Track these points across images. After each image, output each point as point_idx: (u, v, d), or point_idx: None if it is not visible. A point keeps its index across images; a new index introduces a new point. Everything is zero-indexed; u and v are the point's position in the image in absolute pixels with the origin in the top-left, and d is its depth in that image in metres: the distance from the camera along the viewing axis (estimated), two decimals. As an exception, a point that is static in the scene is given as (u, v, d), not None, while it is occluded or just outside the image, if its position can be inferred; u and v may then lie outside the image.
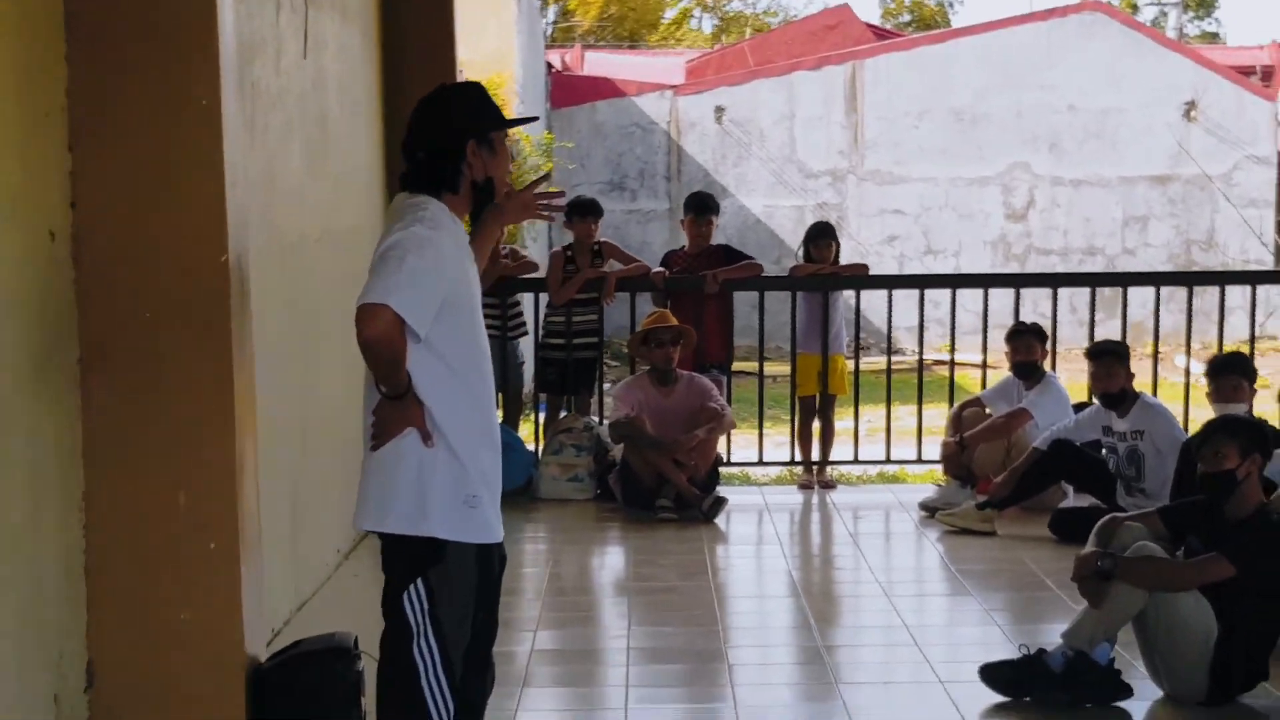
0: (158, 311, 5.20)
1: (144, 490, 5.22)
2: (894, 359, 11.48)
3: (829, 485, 10.90)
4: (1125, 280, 11.71)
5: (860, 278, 11.42)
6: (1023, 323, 10.21)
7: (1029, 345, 10.01)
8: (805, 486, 10.91)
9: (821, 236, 11.13)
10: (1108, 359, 9.09)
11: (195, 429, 5.24)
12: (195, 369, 5.23)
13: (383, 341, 4.50)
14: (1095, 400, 9.40)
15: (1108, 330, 11.25)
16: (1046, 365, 10.23)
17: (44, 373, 4.93)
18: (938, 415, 11.25)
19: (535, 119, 5.85)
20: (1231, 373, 8.48)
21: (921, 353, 11.21)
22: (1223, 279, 11.63)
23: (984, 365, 11.24)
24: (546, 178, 5.69)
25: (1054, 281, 11.96)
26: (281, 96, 7.27)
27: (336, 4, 8.56)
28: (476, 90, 4.92)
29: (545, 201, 5.17)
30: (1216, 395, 8.46)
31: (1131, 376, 9.16)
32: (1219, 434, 6.17)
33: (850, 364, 11.19)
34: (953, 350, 11.20)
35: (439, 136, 4.77)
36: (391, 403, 4.62)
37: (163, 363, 5.21)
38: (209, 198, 5.20)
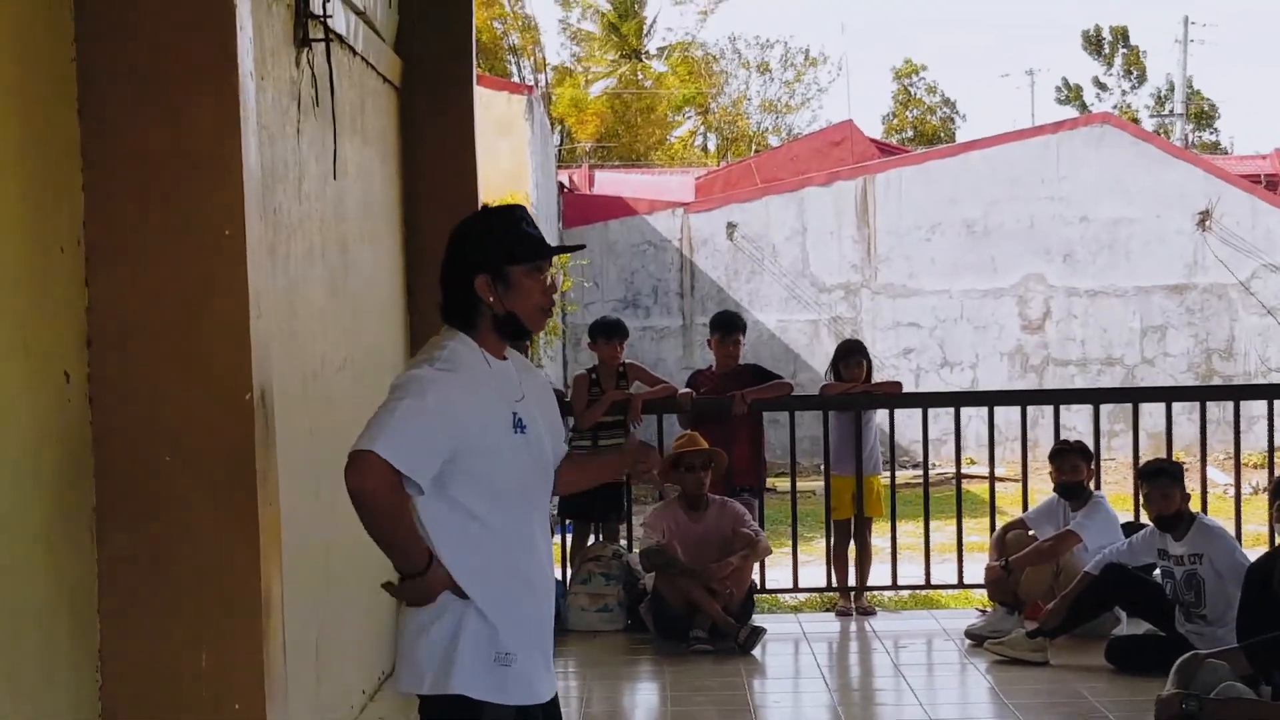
0: (178, 454, 4.86)
1: (164, 648, 4.86)
2: (918, 475, 11.20)
3: (867, 611, 10.55)
4: (1169, 395, 11.36)
5: (894, 396, 11.10)
6: (1066, 441, 9.86)
7: (1074, 465, 9.65)
8: (843, 613, 10.55)
9: (851, 355, 10.88)
10: (1163, 479, 8.71)
11: (218, 583, 4.88)
12: (218, 516, 4.89)
13: (370, 493, 4.24)
14: (1149, 522, 9.02)
15: (1128, 443, 10.90)
16: (1091, 485, 9.86)
17: (59, 520, 4.60)
18: (970, 532, 10.93)
19: (578, 248, 5.12)
20: None
21: (959, 470, 10.87)
22: (1273, 393, 11.22)
23: (1024, 481, 10.85)
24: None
25: (1096, 398, 11.59)
26: (303, 222, 7.01)
27: (357, 127, 8.33)
28: (500, 219, 4.53)
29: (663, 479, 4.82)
30: None
31: (1187, 497, 8.78)
32: (1309, 565, 5.82)
33: (885, 483, 10.89)
34: (992, 467, 10.85)
35: (452, 270, 4.48)
36: (411, 582, 4.34)
37: (184, 510, 4.87)
38: (232, 332, 4.88)
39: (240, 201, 4.87)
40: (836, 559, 10.84)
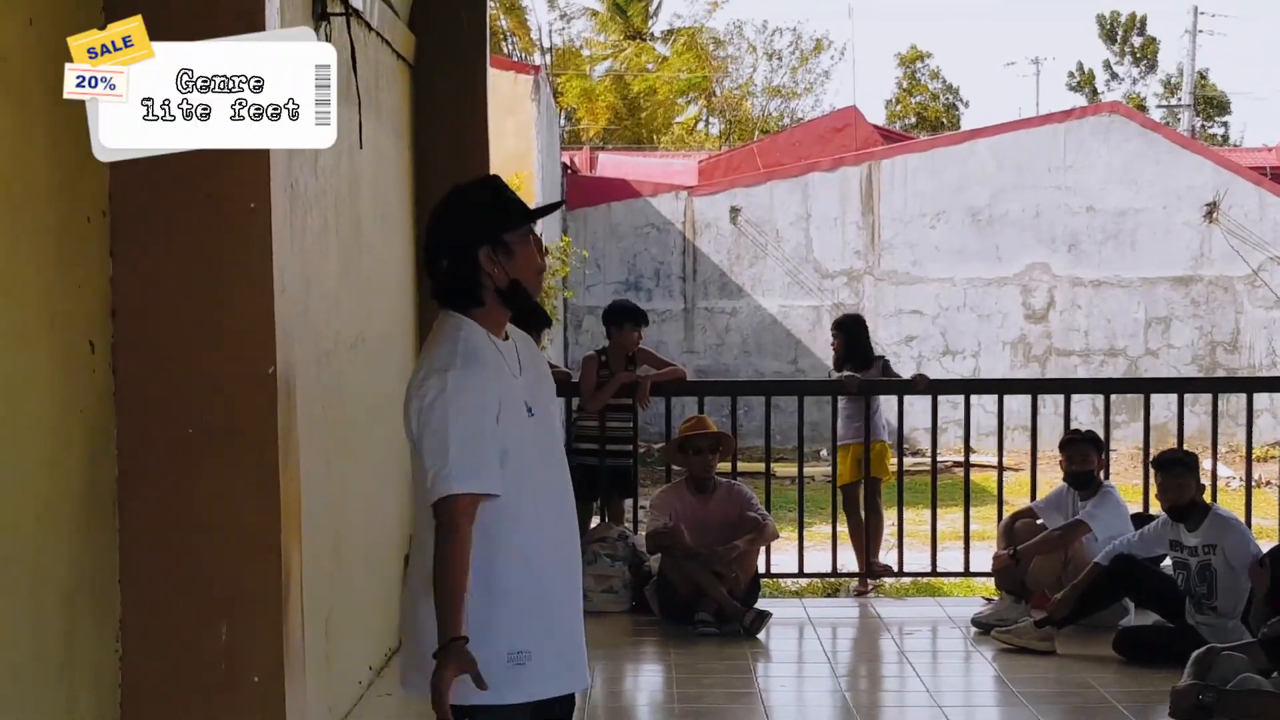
0: (200, 427, 4.86)
1: (183, 619, 4.86)
2: (920, 462, 11.41)
3: (880, 573, 11.19)
4: (1181, 386, 11.33)
5: (901, 383, 11.28)
6: (1077, 430, 9.84)
7: (1084, 454, 9.61)
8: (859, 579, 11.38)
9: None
10: (1178, 469, 8.66)
11: (239, 554, 4.88)
12: (239, 489, 4.87)
13: (464, 541, 4.07)
14: (1159, 512, 9.00)
15: (1129, 434, 10.98)
16: (1101, 475, 9.83)
17: (81, 491, 4.59)
18: (974, 521, 10.97)
19: (557, 205, 5.02)
20: None
21: (967, 458, 10.84)
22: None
23: (1033, 470, 10.84)
24: None
25: (1106, 388, 11.58)
26: (319, 198, 6.98)
27: (372, 103, 8.29)
28: (485, 188, 4.40)
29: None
30: None
31: (1202, 488, 8.75)
32: (1328, 557, 5.81)
33: (892, 451, 11.23)
34: (1000, 455, 10.83)
35: (449, 248, 4.30)
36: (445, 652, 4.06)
37: (205, 482, 4.86)
38: (257, 306, 4.87)
39: (266, 175, 4.85)
40: (851, 527, 11.37)
